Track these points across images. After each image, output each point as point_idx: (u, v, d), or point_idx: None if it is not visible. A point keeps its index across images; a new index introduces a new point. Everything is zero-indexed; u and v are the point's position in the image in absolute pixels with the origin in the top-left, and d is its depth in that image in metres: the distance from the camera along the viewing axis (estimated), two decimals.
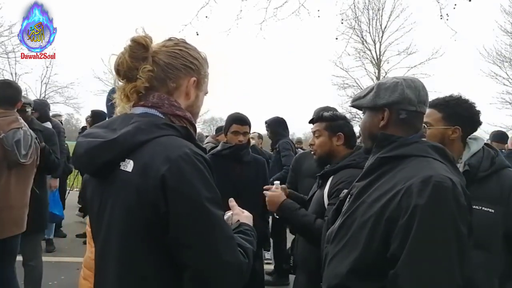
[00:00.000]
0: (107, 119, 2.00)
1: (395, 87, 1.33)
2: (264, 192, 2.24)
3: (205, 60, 1.21)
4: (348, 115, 18.21)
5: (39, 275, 3.22)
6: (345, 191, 1.51)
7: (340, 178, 2.06)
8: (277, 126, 4.65)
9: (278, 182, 2.33)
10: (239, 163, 2.87)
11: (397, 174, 1.25)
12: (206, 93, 1.25)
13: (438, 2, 5.74)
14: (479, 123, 1.80)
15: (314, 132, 2.27)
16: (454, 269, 1.10)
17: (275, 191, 2.22)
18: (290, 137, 5.12)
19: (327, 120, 2.23)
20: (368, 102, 1.38)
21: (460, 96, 1.80)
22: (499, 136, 4.92)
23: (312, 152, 2.30)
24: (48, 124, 5.04)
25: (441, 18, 5.84)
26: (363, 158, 2.07)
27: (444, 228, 1.11)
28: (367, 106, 1.39)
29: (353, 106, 1.48)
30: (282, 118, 4.74)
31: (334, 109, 3.03)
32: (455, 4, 5.67)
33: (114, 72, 1.12)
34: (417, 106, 1.33)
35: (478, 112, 1.79)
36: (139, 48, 1.09)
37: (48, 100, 18.81)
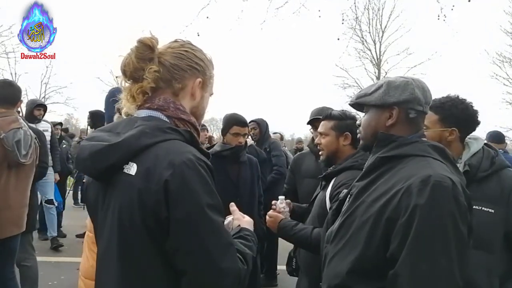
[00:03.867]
0: (105, 117, 2.01)
1: (406, 86, 1.32)
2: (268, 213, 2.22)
3: (211, 62, 1.22)
4: None
5: (34, 274, 3.20)
6: (345, 191, 1.50)
7: (341, 180, 2.02)
8: (266, 127, 4.81)
9: (283, 197, 2.30)
10: (237, 164, 2.90)
11: (396, 173, 1.25)
12: (212, 94, 1.26)
13: (439, 2, 5.74)
14: (477, 123, 1.79)
15: (320, 133, 2.22)
16: (453, 269, 1.10)
17: (275, 213, 2.20)
18: (290, 137, 5.27)
19: (335, 119, 2.17)
20: (377, 100, 1.35)
21: (457, 97, 1.79)
22: (496, 137, 4.88)
23: (319, 152, 2.26)
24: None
25: (444, 19, 5.83)
26: (366, 159, 2.06)
27: (444, 228, 1.11)
28: (375, 103, 1.37)
29: (356, 103, 1.45)
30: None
31: (330, 109, 3.02)
32: (453, 6, 5.67)
33: (120, 73, 1.13)
34: (424, 106, 1.34)
35: (475, 112, 1.78)
36: (145, 49, 1.10)
37: (48, 100, 18.87)
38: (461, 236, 1.13)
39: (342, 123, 2.16)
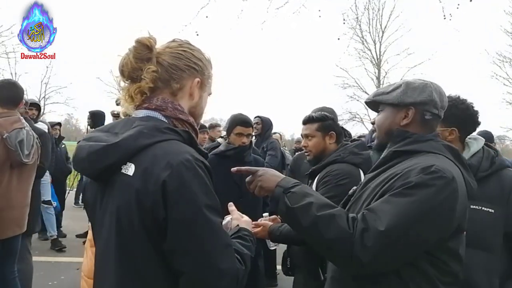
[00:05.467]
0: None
1: (424, 88, 1.34)
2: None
3: (209, 61, 1.22)
4: (347, 115, 18.12)
5: (28, 278, 3.17)
6: (354, 187, 1.51)
7: (326, 172, 2.12)
8: (269, 126, 4.84)
9: (267, 214, 2.30)
10: (242, 164, 2.89)
11: (403, 164, 1.26)
12: (210, 94, 1.26)
13: (440, 2, 5.73)
14: (477, 123, 1.80)
15: (306, 135, 2.29)
16: (409, 223, 1.10)
17: (262, 223, 2.18)
18: (290, 137, 5.29)
19: (319, 121, 2.27)
20: (394, 99, 1.37)
21: (458, 97, 1.80)
22: (486, 136, 4.87)
23: (306, 154, 2.33)
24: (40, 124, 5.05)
25: (450, 19, 5.83)
26: (348, 153, 2.16)
27: (435, 204, 1.11)
28: (392, 102, 1.38)
29: (373, 100, 1.46)
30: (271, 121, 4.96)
31: (329, 109, 3.05)
32: (458, 4, 5.67)
33: (118, 73, 1.13)
34: (439, 110, 1.36)
35: (476, 113, 1.79)
36: (143, 49, 1.10)
37: (48, 100, 18.88)
38: (452, 217, 1.13)
39: (326, 123, 2.27)
